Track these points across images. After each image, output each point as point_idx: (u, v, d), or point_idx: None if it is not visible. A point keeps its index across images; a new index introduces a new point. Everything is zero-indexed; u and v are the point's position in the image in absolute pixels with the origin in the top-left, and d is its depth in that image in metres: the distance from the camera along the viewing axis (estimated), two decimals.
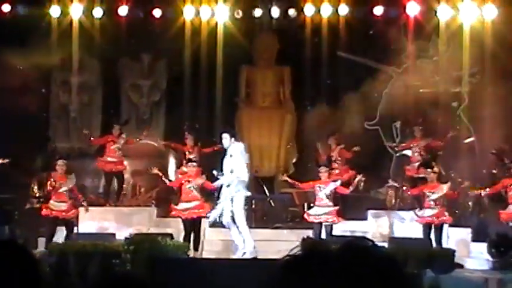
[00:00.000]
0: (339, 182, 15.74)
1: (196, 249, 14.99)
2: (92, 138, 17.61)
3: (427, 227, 15.34)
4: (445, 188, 15.58)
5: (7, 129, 17.70)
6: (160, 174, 16.00)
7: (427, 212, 15.41)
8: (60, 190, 15.66)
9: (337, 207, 15.56)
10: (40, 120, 19.88)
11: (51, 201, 15.63)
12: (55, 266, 13.95)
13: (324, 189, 15.62)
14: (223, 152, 14.64)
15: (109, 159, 17.33)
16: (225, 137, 14.53)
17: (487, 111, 17.66)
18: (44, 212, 15.67)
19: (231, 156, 14.44)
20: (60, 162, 15.97)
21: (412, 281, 1.55)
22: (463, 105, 18.21)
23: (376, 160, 18.96)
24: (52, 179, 15.97)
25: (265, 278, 1.67)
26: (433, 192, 15.42)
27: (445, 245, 15.06)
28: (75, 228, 15.97)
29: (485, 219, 16.86)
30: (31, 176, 18.49)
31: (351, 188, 15.72)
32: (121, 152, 17.43)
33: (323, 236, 15.26)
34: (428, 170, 15.82)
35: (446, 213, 15.45)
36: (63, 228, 15.93)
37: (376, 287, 1.47)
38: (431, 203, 15.35)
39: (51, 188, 16.05)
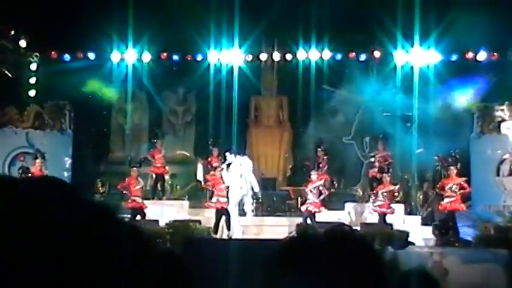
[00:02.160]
0: (322, 181, 15.76)
1: (228, 229, 15.05)
2: (148, 156, 17.63)
3: (380, 215, 15.39)
4: (392, 187, 15.69)
5: (82, 142, 17.79)
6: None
7: (377, 203, 15.47)
8: (137, 187, 15.77)
9: (319, 200, 15.54)
10: (103, 135, 19.95)
11: (132, 197, 15.70)
12: None
13: (311, 186, 15.65)
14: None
15: (158, 165, 17.34)
16: (228, 155, 15.44)
17: (432, 129, 17.66)
18: (130, 205, 15.68)
19: (240, 165, 15.03)
20: (134, 169, 16.14)
21: (380, 258, 1.53)
22: (414, 125, 18.14)
23: (352, 165, 18.93)
24: (127, 181, 16.02)
25: (267, 256, 1.64)
26: (382, 189, 15.54)
27: (401, 228, 15.00)
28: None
29: (431, 209, 16.82)
30: (96, 177, 18.52)
31: (326, 191, 15.80)
32: (164, 159, 17.49)
33: (309, 222, 15.26)
34: (385, 174, 15.86)
35: (392, 208, 15.47)
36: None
37: (354, 263, 1.45)
38: (380, 196, 15.43)
39: (125, 187, 16.12)
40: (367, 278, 1.53)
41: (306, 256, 1.54)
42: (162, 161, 17.35)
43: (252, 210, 15.51)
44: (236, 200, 15.07)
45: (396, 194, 15.78)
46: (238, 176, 14.97)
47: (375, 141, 17.88)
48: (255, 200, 15.96)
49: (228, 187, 15.25)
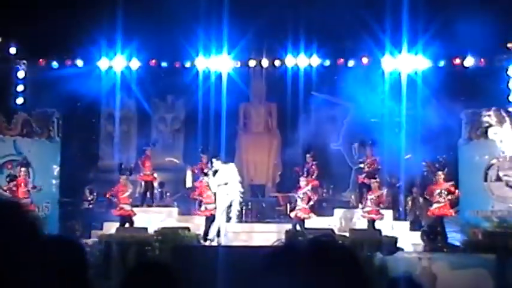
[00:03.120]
0: (309, 187, 15.80)
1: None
2: (139, 162, 17.59)
3: (369, 221, 15.44)
4: (379, 192, 15.74)
5: (71, 149, 17.77)
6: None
7: (366, 209, 15.53)
8: (125, 195, 15.75)
9: (309, 206, 15.59)
10: (91, 143, 19.91)
11: (121, 205, 15.67)
12: (103, 252, 13.93)
13: (300, 192, 15.69)
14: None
15: (148, 172, 17.35)
16: (215, 161, 15.05)
17: (420, 135, 17.75)
18: (118, 212, 15.67)
19: (226, 172, 14.85)
20: (123, 177, 16.05)
21: (363, 267, 1.58)
22: (402, 131, 18.21)
23: (340, 172, 18.99)
24: (116, 189, 15.96)
25: (256, 262, 1.70)
26: (371, 195, 15.60)
27: (389, 233, 15.06)
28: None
29: (419, 214, 16.89)
30: (85, 185, 18.49)
31: (315, 196, 15.83)
32: (153, 167, 17.52)
33: (298, 228, 15.28)
34: (373, 180, 15.93)
35: (381, 214, 15.52)
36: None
37: (338, 272, 1.50)
38: (369, 202, 15.49)
39: (113, 195, 16.04)
40: (351, 286, 1.58)
41: (291, 265, 1.59)
42: (151, 169, 17.36)
43: (238, 216, 15.45)
44: (222, 207, 14.98)
45: (384, 199, 15.83)
46: (224, 183, 14.91)
47: (363, 147, 17.94)
48: (239, 207, 15.79)
49: (214, 194, 15.22)
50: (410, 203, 17.36)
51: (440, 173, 15.35)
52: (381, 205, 15.62)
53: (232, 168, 15.21)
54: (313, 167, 17.09)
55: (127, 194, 15.89)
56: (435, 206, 15.09)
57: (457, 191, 15.36)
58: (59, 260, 2.11)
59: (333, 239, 1.55)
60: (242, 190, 15.20)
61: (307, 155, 17.50)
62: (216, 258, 12.27)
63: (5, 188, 15.88)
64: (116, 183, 16.12)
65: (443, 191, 15.10)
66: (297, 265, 1.59)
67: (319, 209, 16.66)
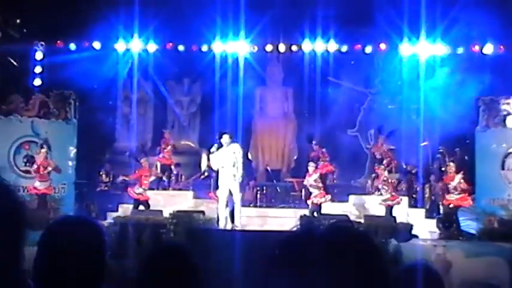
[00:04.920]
0: (318, 175, 15.72)
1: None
2: (158, 148, 17.68)
3: (387, 207, 15.39)
4: (386, 177, 15.70)
5: (87, 131, 17.84)
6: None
7: (382, 197, 15.49)
8: (149, 180, 15.77)
9: (322, 190, 15.57)
10: (108, 125, 19.97)
11: (140, 189, 15.69)
12: (118, 234, 14.00)
13: (310, 178, 15.69)
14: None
15: (166, 156, 17.43)
16: (225, 138, 14.19)
17: (437, 123, 17.67)
18: (135, 195, 15.71)
19: (233, 153, 14.19)
20: (144, 159, 16.07)
21: (381, 253, 1.58)
22: (421, 117, 18.14)
23: (356, 158, 18.96)
24: (139, 173, 15.97)
25: (271, 247, 1.70)
26: (380, 181, 15.60)
27: (405, 220, 15.03)
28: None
29: (435, 202, 16.83)
30: (101, 166, 18.58)
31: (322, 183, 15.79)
32: (172, 150, 17.63)
33: (315, 214, 15.25)
34: (381, 166, 15.91)
35: (397, 198, 15.47)
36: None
37: (355, 258, 1.50)
38: (383, 190, 15.46)
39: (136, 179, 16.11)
40: (368, 272, 1.59)
41: (309, 251, 1.59)
42: (170, 152, 17.46)
43: (251, 202, 15.24)
44: (228, 188, 14.47)
45: (395, 183, 15.74)
46: (231, 164, 14.40)
47: (379, 133, 17.90)
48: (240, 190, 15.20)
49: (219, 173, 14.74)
50: (428, 190, 17.29)
51: (452, 164, 15.28)
52: (394, 189, 15.55)
53: (238, 149, 14.57)
54: (323, 154, 17.06)
55: (151, 179, 15.91)
56: (452, 195, 15.03)
57: (467, 184, 15.16)
58: (78, 241, 2.14)
59: (351, 225, 1.54)
60: (242, 172, 14.74)
61: (313, 144, 17.45)
62: (230, 242, 12.31)
63: (22, 169, 15.98)
64: (130, 165, 16.17)
65: (456, 186, 14.99)
66: (314, 252, 1.59)
67: (334, 195, 16.64)
